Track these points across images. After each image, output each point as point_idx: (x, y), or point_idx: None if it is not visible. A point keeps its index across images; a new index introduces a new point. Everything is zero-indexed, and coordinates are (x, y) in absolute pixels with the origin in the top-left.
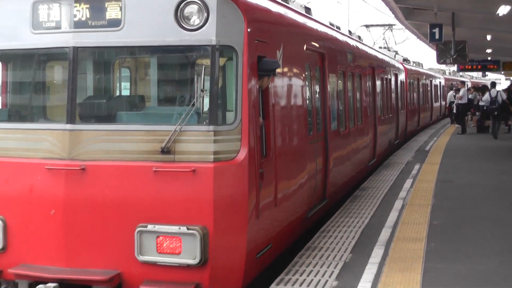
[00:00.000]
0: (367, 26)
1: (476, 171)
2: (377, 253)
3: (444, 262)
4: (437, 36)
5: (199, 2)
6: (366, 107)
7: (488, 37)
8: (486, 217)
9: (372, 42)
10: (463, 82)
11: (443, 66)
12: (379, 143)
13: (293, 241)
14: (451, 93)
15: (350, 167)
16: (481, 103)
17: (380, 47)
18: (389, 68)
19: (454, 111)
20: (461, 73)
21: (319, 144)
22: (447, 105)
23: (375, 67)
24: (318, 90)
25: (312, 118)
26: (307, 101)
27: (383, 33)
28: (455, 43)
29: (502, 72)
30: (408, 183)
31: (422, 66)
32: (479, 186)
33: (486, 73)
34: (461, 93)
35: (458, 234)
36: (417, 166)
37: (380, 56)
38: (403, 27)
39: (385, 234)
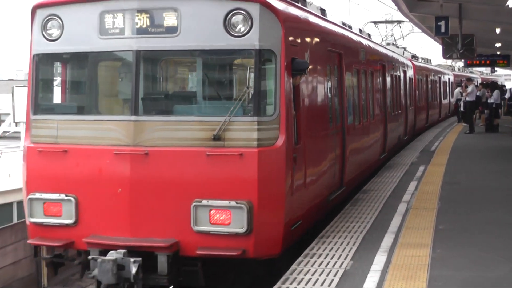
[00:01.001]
0: (375, 22)
1: (485, 173)
2: (379, 260)
3: (451, 270)
4: (443, 29)
5: (244, 12)
6: (377, 103)
7: (497, 30)
8: (496, 221)
9: (380, 39)
10: (469, 79)
11: (451, 62)
12: (389, 138)
13: (317, 220)
14: (457, 89)
15: (363, 159)
16: (490, 101)
17: (388, 44)
18: (398, 65)
19: (461, 109)
20: (470, 69)
21: (337, 136)
22: (454, 103)
23: (386, 64)
24: (336, 87)
25: (332, 112)
26: (328, 97)
27: (391, 29)
28: (462, 37)
29: None
30: (412, 185)
31: (431, 62)
32: (488, 189)
33: (495, 68)
34: (469, 89)
35: (465, 239)
36: (422, 168)
37: (389, 53)
38: (407, 20)
39: (388, 239)
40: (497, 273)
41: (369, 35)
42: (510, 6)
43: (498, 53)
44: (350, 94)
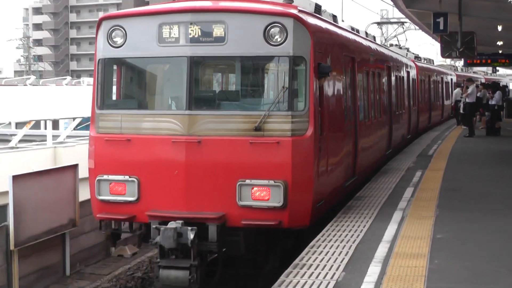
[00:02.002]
0: (378, 23)
1: (486, 179)
2: (373, 271)
3: (450, 282)
4: (441, 27)
5: (280, 25)
6: (384, 103)
7: (499, 28)
8: (498, 230)
9: (383, 39)
10: (470, 79)
11: (453, 62)
12: (394, 136)
13: (335, 202)
14: (457, 90)
15: (372, 153)
16: (491, 102)
17: (391, 45)
18: (402, 67)
19: (461, 110)
20: (474, 69)
21: (351, 131)
22: (453, 104)
23: (391, 66)
24: (350, 87)
25: (347, 109)
26: (344, 96)
27: (394, 30)
28: (461, 35)
29: None
30: (408, 192)
31: (433, 63)
32: (489, 196)
33: (498, 68)
34: (469, 90)
35: (465, 249)
36: (418, 173)
37: (394, 56)
38: (404, 16)
39: (382, 249)
40: (500, 285)
41: (374, 37)
42: None
43: (500, 51)
44: (361, 93)
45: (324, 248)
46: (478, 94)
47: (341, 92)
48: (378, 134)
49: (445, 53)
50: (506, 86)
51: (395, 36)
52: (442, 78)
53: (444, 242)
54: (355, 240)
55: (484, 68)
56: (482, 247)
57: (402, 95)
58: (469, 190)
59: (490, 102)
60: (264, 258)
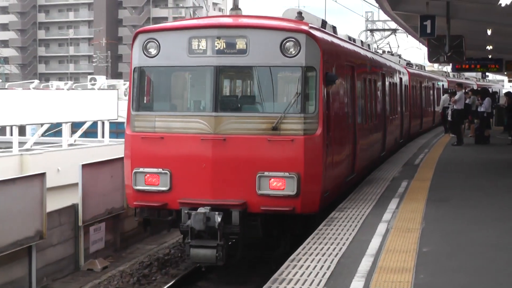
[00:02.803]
0: (371, 30)
1: (475, 189)
2: (356, 286)
3: None
4: (428, 30)
5: (294, 40)
6: (379, 108)
7: (489, 32)
8: (486, 242)
9: (375, 46)
10: (459, 85)
11: (442, 67)
12: (388, 139)
13: (338, 195)
14: (445, 96)
15: (369, 153)
16: (480, 109)
17: (384, 52)
18: (395, 73)
19: (449, 118)
20: (466, 75)
21: (351, 132)
22: (441, 111)
23: (385, 73)
24: (350, 93)
25: (348, 113)
26: (346, 100)
27: (387, 37)
28: (450, 38)
29: (505, 73)
30: (394, 203)
31: (424, 69)
32: (478, 206)
33: (487, 73)
34: (457, 96)
35: (453, 263)
36: (404, 183)
37: (388, 63)
38: (389, 19)
39: (365, 263)
40: None
41: (368, 45)
42: (502, 5)
43: (490, 56)
44: (360, 99)
45: (305, 262)
46: (467, 101)
47: (344, 97)
48: (374, 137)
49: (432, 57)
50: (496, 93)
51: (387, 44)
52: (433, 84)
53: (430, 255)
54: (337, 253)
55: (474, 74)
56: (469, 261)
57: (395, 101)
58: (457, 201)
59: (479, 109)
60: (277, 243)
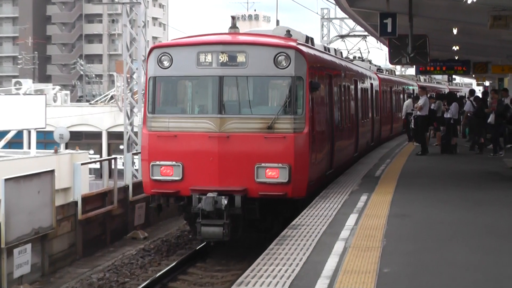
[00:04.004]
0: (341, 36)
1: (440, 203)
2: None
3: None
4: (389, 29)
5: (285, 54)
6: (352, 112)
7: (455, 31)
8: (454, 262)
9: (346, 52)
10: (422, 88)
11: (407, 69)
12: (360, 142)
13: (319, 185)
14: (408, 101)
15: (344, 152)
16: (446, 115)
17: (354, 57)
18: (366, 79)
19: (412, 125)
20: (437, 77)
21: (329, 132)
22: (403, 117)
23: (357, 79)
24: (329, 98)
25: (327, 115)
26: (326, 104)
27: (357, 43)
28: (412, 38)
29: (473, 75)
30: (352, 219)
31: (395, 74)
32: (443, 222)
33: (454, 76)
34: (420, 102)
35: (416, 285)
36: (364, 197)
37: (359, 70)
38: (347, 16)
39: (321, 286)
40: None
41: (341, 53)
42: (468, 2)
43: (456, 57)
44: (336, 103)
45: (254, 286)
46: (432, 106)
47: (324, 102)
48: (348, 138)
49: (394, 58)
50: (463, 97)
51: (358, 49)
52: (403, 88)
53: (391, 276)
54: (289, 275)
55: (441, 77)
56: (434, 282)
57: (367, 106)
58: (421, 217)
59: (445, 115)
60: (270, 224)
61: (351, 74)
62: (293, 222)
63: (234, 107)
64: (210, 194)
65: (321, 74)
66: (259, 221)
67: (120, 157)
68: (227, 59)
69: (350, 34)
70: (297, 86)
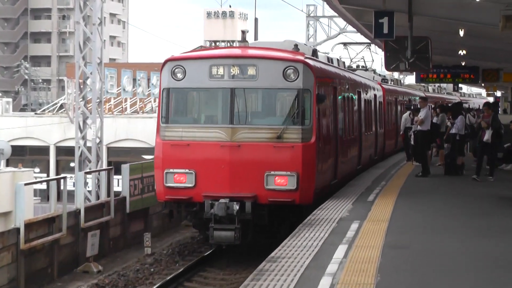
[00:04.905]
0: (344, 44)
1: (443, 232)
2: None
3: None
4: (385, 30)
5: (294, 68)
6: (355, 124)
7: (461, 33)
8: None
9: (349, 61)
10: (423, 99)
11: (406, 77)
12: (363, 154)
13: (325, 194)
14: (406, 114)
15: (347, 164)
16: (452, 130)
17: (358, 66)
18: (369, 90)
19: (412, 142)
20: (445, 86)
21: (334, 143)
22: (402, 132)
23: (361, 91)
24: (333, 109)
25: (332, 126)
26: (330, 116)
27: (360, 52)
28: (412, 41)
29: (483, 84)
30: (340, 250)
31: (401, 84)
32: (446, 254)
33: (460, 85)
34: (421, 114)
35: None
36: (355, 225)
37: (363, 81)
38: (336, 15)
39: None
40: None
41: (344, 63)
42: (477, 0)
43: (463, 63)
44: (340, 115)
45: None
46: (434, 120)
47: (329, 114)
48: (352, 150)
49: (390, 64)
50: (471, 109)
51: (361, 58)
52: (409, 99)
53: None
54: None
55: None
56: None
57: (370, 118)
58: (420, 248)
59: (450, 131)
60: (277, 230)
61: (354, 85)
62: (272, 254)
63: (244, 118)
64: (222, 200)
65: (327, 87)
66: (268, 226)
67: (71, 177)
68: (238, 72)
69: (353, 42)
70: (304, 98)
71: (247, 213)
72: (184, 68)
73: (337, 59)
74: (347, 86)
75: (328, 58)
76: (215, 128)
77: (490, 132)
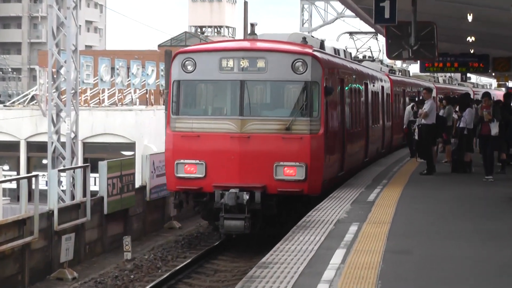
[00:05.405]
0: (350, 33)
1: (449, 236)
2: None
3: None
4: (387, 14)
5: (302, 61)
6: (362, 117)
7: (470, 18)
8: None
9: (355, 50)
10: (428, 90)
11: (409, 65)
12: (370, 147)
13: (332, 185)
14: (409, 107)
15: (354, 157)
16: (459, 124)
17: (364, 57)
18: (377, 82)
19: (416, 136)
20: (456, 77)
21: (341, 135)
22: (405, 127)
23: (368, 82)
24: (340, 101)
25: (339, 118)
26: (337, 108)
27: (367, 41)
28: (416, 26)
29: (493, 74)
30: (338, 255)
31: (409, 74)
32: (452, 260)
33: (468, 75)
34: (426, 107)
35: None
36: (353, 228)
37: (370, 72)
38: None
39: None
40: None
41: (350, 54)
42: None
43: (472, 51)
44: (347, 107)
45: None
46: (441, 113)
47: (337, 106)
48: (359, 142)
49: (392, 52)
50: (479, 101)
51: (368, 48)
52: (418, 91)
53: None
54: None
55: (481, 78)
56: None
57: (377, 111)
58: (424, 253)
59: (457, 125)
60: (285, 220)
61: (361, 77)
62: (264, 259)
63: (254, 110)
64: (232, 190)
65: (334, 79)
66: (276, 216)
67: (43, 175)
68: (248, 65)
69: (359, 31)
70: (313, 90)
71: (257, 203)
72: (194, 61)
73: (344, 50)
74: (354, 78)
75: (334, 49)
76: (225, 119)
77: (496, 124)
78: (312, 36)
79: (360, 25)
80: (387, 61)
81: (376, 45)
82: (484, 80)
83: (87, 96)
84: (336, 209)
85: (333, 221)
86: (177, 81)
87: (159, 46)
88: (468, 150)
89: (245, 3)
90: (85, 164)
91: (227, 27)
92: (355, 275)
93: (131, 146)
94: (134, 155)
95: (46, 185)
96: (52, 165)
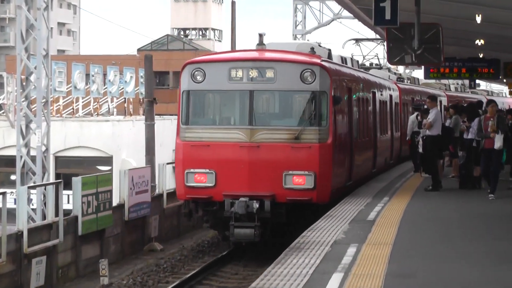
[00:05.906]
0: (356, 40)
1: (456, 258)
2: None
3: None
4: (388, 15)
5: (311, 70)
6: (370, 126)
7: (478, 19)
8: None
9: (362, 57)
10: (432, 98)
11: (412, 71)
12: (378, 158)
13: (340, 194)
14: (413, 117)
15: (361, 166)
16: (467, 136)
17: (371, 64)
18: (385, 91)
19: (420, 149)
20: (469, 84)
21: (349, 144)
22: (408, 138)
23: (376, 91)
24: (348, 110)
25: (347, 127)
26: (345, 117)
27: (373, 48)
28: (420, 28)
29: (504, 80)
30: (335, 280)
31: (418, 82)
32: (460, 284)
33: (477, 82)
34: (430, 117)
35: None
36: (352, 250)
37: (378, 81)
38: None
39: None
40: None
41: (357, 62)
42: None
43: (481, 55)
44: (355, 116)
45: None
46: (447, 123)
47: (345, 115)
48: (366, 152)
49: (394, 56)
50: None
51: (375, 55)
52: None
53: None
54: None
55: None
56: None
57: (385, 121)
58: (429, 277)
59: (465, 136)
60: (293, 228)
61: (368, 85)
62: (253, 285)
63: (263, 119)
64: (242, 199)
65: (342, 88)
66: (285, 224)
67: (11, 192)
68: (257, 75)
69: (365, 38)
70: (321, 99)
71: (266, 212)
72: (204, 71)
73: (351, 58)
74: (362, 87)
75: (342, 58)
76: (235, 129)
77: (501, 136)
78: (319, 45)
79: (358, 27)
80: (401, 70)
81: (382, 52)
82: (495, 87)
83: (59, 105)
84: (332, 228)
85: (329, 242)
86: (187, 91)
87: (139, 50)
88: (477, 163)
89: (233, 3)
90: (57, 181)
91: (213, 29)
92: None
93: (107, 160)
94: (111, 170)
95: (15, 204)
96: (21, 181)
